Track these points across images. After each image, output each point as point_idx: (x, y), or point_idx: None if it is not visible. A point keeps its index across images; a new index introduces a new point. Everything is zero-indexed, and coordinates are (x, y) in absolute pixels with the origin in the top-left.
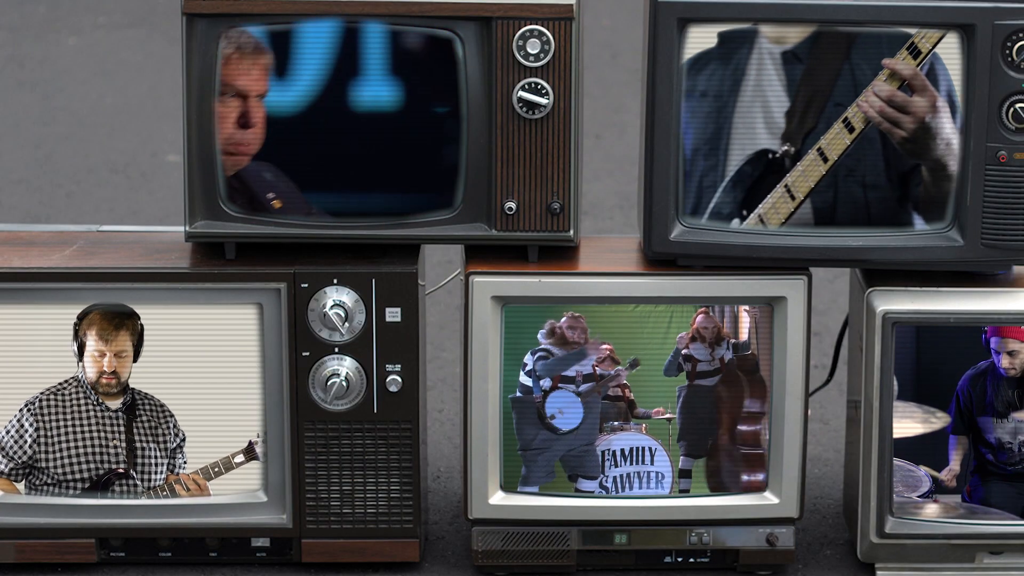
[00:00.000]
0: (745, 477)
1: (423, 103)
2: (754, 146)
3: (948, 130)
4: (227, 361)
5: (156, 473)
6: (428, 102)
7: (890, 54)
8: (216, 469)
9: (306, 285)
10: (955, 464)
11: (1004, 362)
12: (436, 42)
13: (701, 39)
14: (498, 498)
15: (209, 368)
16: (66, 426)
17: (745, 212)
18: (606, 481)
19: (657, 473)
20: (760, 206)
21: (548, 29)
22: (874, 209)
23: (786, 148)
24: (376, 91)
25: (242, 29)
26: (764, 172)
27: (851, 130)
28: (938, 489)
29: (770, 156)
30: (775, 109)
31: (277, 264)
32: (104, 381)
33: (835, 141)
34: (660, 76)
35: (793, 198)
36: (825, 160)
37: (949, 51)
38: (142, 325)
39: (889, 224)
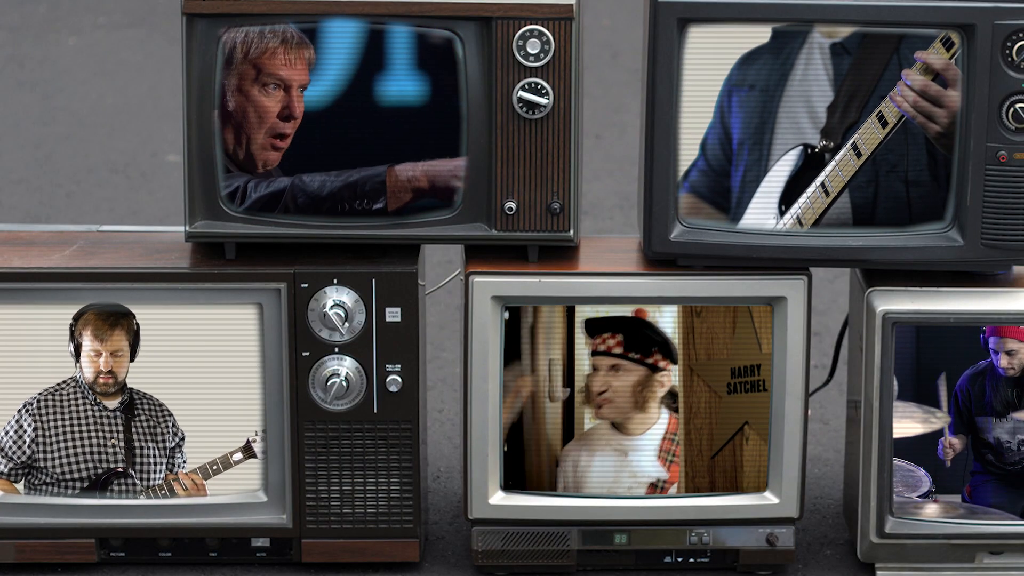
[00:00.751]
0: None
1: (426, 102)
2: (796, 140)
3: None
4: (227, 361)
5: (155, 472)
6: (430, 101)
7: None
8: (215, 467)
9: (306, 285)
10: (956, 441)
11: (1003, 362)
12: (435, 41)
13: (754, 36)
14: (498, 498)
15: (209, 368)
16: (65, 426)
17: (784, 208)
18: None
19: None
20: (796, 204)
21: (548, 29)
22: (916, 206)
23: (824, 143)
24: (393, 87)
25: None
26: (803, 167)
27: (884, 124)
28: (938, 482)
29: (809, 151)
30: (818, 103)
31: (277, 264)
32: (101, 381)
33: (869, 135)
34: (660, 76)
35: (828, 194)
36: (859, 155)
37: None
38: (138, 324)
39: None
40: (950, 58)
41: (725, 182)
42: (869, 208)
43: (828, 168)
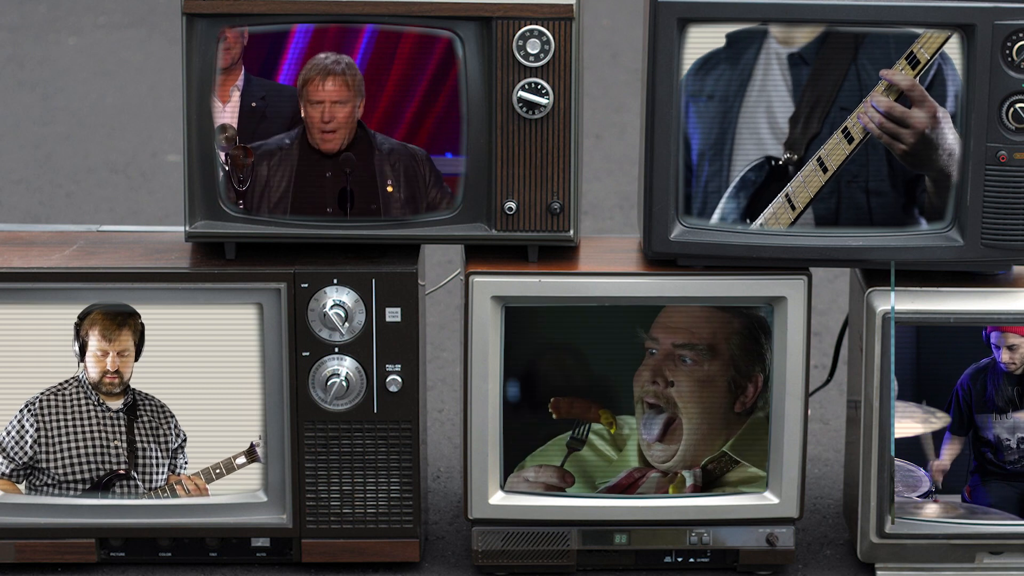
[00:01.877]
0: None
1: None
2: (758, 152)
3: (951, 140)
4: (227, 361)
5: (157, 474)
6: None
7: (898, 56)
8: (217, 471)
9: (306, 285)
10: (946, 460)
11: (1004, 356)
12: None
13: (709, 39)
14: (498, 498)
15: (209, 368)
16: (67, 426)
17: (748, 220)
18: None
19: None
20: (761, 216)
21: (548, 29)
22: (877, 215)
23: (788, 155)
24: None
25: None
26: (767, 179)
27: (850, 140)
28: (931, 483)
29: (773, 163)
30: (779, 114)
31: (277, 264)
32: (107, 380)
33: (835, 151)
34: (660, 76)
35: (793, 208)
36: (825, 170)
37: (952, 51)
38: (142, 324)
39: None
40: (915, 76)
41: (684, 189)
42: (832, 217)
43: (793, 181)
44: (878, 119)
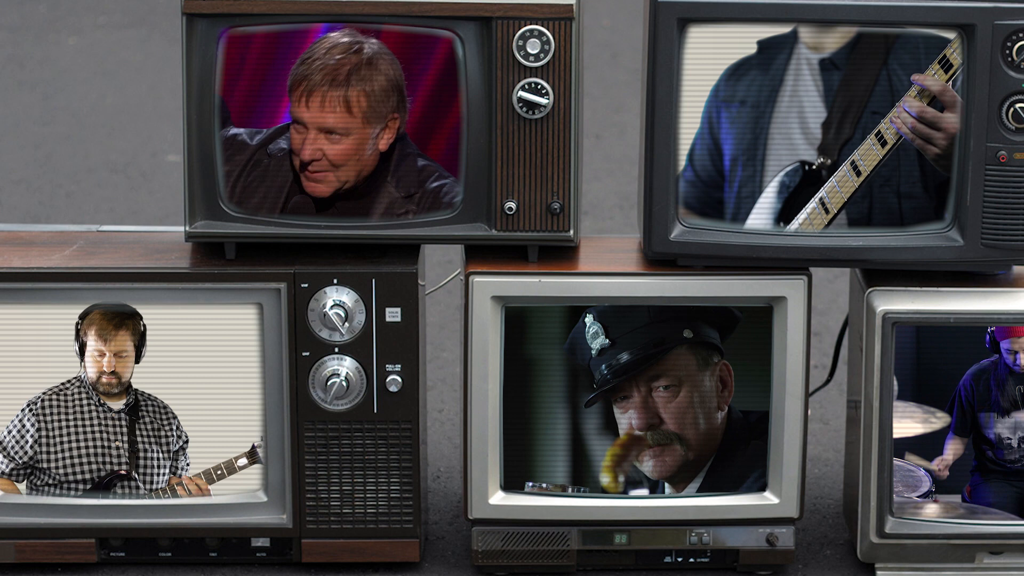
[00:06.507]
0: None
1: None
2: (791, 157)
3: None
4: (227, 361)
5: (159, 475)
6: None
7: (929, 60)
8: (219, 472)
9: (306, 285)
10: (948, 455)
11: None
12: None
13: (740, 46)
14: (498, 498)
15: (209, 368)
16: (68, 426)
17: (782, 224)
18: None
19: None
20: (796, 220)
21: (548, 29)
22: (908, 218)
23: (822, 160)
24: None
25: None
26: (801, 183)
27: (883, 144)
28: (931, 483)
29: (806, 168)
30: (811, 119)
31: (277, 264)
32: (104, 381)
33: (868, 154)
34: (660, 76)
35: (827, 211)
36: (858, 174)
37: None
38: (144, 326)
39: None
40: (948, 80)
41: (716, 194)
42: (864, 221)
43: (827, 185)
44: (911, 122)
